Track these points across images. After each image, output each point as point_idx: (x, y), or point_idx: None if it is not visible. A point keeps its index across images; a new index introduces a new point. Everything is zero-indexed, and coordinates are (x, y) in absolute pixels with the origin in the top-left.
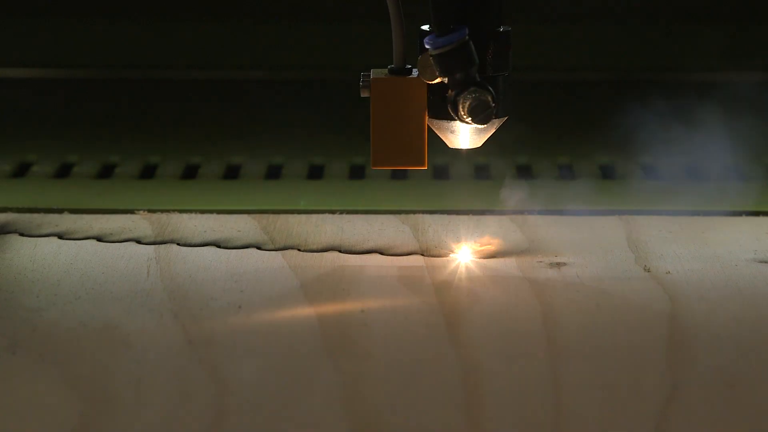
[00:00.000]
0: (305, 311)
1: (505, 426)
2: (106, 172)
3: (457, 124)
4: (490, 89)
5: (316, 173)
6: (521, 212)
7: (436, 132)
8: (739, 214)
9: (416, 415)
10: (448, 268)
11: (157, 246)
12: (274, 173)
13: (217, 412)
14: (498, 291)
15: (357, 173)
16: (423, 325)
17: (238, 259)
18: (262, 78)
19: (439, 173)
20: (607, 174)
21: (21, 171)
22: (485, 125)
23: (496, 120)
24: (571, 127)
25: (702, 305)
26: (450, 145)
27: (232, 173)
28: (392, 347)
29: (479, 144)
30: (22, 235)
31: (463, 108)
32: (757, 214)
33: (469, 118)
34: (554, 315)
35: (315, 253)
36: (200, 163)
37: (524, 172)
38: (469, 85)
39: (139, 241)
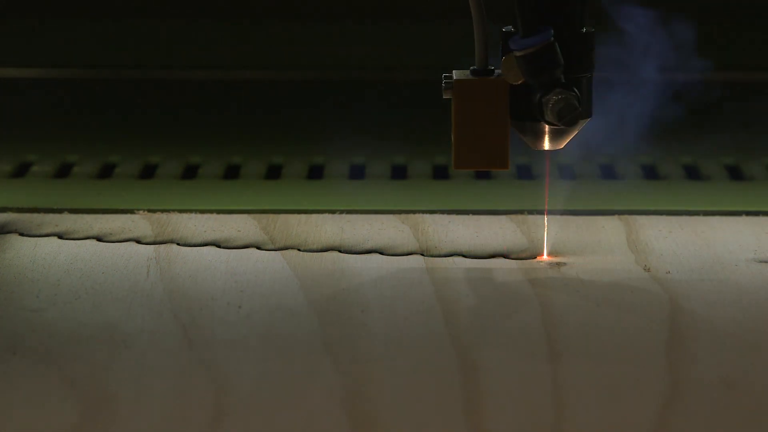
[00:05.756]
0: (305, 311)
1: (505, 426)
2: (106, 172)
3: (540, 126)
4: (576, 91)
5: (316, 173)
6: (521, 212)
7: (518, 134)
8: (739, 214)
9: (416, 415)
10: (448, 268)
11: (157, 246)
12: (274, 173)
13: (217, 412)
14: (498, 291)
15: (357, 173)
16: (423, 325)
17: (238, 259)
18: (262, 78)
19: (439, 173)
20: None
21: (21, 171)
22: (571, 127)
23: (581, 121)
24: None
25: (702, 305)
26: (532, 147)
27: (232, 173)
28: (392, 347)
29: (561, 146)
30: (22, 235)
31: (549, 110)
32: (757, 214)
33: (556, 120)
34: (554, 315)
35: (315, 253)
36: (200, 163)
37: (525, 172)
38: (554, 87)
39: (139, 241)
